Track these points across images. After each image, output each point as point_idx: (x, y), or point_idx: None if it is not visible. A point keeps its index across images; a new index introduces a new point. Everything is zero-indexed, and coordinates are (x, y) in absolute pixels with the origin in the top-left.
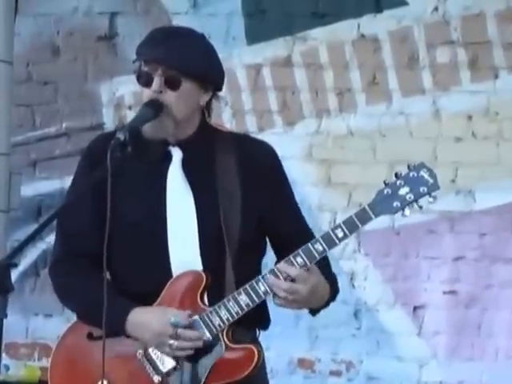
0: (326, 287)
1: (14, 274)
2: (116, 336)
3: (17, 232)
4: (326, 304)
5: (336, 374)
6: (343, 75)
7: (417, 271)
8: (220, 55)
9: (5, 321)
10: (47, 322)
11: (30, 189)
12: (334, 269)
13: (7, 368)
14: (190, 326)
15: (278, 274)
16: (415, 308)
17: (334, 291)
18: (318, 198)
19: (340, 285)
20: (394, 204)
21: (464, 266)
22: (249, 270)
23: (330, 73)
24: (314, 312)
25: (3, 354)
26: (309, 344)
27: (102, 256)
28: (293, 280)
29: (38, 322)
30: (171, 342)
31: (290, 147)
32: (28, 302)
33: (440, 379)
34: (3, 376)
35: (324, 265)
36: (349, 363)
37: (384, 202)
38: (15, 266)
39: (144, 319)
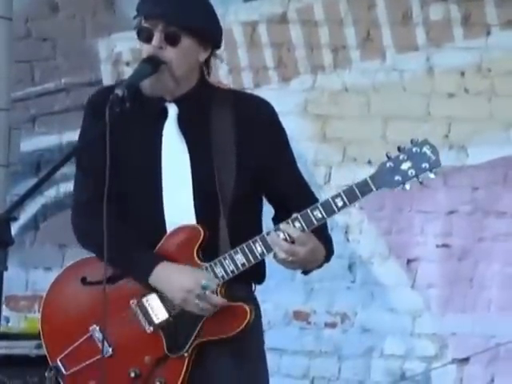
0: (321, 251)
1: (14, 228)
2: (138, 281)
3: (16, 186)
4: (320, 266)
5: (331, 325)
6: (338, 32)
7: (410, 225)
8: (216, 12)
9: (5, 273)
10: (47, 275)
11: (30, 144)
12: (329, 222)
13: (7, 320)
14: (216, 292)
15: (280, 233)
16: (409, 261)
17: (329, 254)
18: (313, 153)
19: (335, 238)
20: (396, 178)
21: (457, 220)
22: (244, 228)
23: (325, 29)
24: (306, 272)
25: (3, 307)
26: (304, 296)
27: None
28: (293, 242)
29: (37, 274)
30: (196, 301)
31: (285, 103)
32: (28, 255)
33: (433, 331)
34: (3, 328)
35: (322, 226)
36: (343, 315)
37: (386, 176)
38: (15, 219)
39: (175, 274)
